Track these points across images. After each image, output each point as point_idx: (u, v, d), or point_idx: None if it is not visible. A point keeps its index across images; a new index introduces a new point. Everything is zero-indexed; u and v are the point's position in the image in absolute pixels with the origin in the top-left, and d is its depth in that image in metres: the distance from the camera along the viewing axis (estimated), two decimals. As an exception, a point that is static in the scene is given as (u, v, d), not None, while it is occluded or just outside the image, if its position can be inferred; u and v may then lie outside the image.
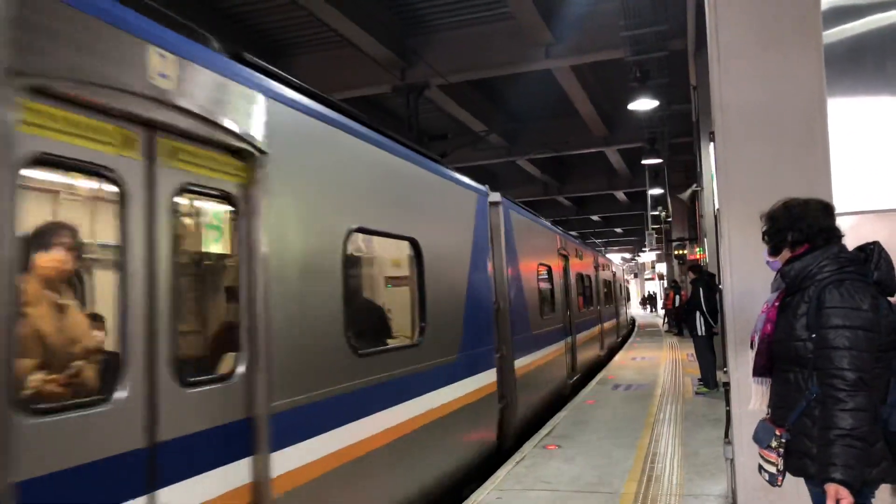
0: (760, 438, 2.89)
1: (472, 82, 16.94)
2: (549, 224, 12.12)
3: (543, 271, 10.77)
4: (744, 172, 5.24)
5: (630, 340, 24.31)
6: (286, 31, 13.97)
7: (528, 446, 7.70)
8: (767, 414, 2.95)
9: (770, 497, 4.88)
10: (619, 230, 50.75)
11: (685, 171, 26.40)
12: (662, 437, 7.87)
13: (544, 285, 10.81)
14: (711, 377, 11.00)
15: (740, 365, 5.06)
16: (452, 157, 14.79)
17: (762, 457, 2.88)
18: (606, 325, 19.26)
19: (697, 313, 11.09)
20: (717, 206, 5.62)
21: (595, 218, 43.61)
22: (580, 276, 14.95)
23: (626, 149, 23.66)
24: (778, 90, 5.21)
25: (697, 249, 22.47)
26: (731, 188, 5.30)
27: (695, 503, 5.40)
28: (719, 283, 5.86)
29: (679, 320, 23.86)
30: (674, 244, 29.05)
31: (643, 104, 13.82)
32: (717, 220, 5.68)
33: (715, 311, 10.88)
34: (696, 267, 12.78)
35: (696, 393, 10.94)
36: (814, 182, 4.84)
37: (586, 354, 14.55)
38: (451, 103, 16.89)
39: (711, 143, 5.52)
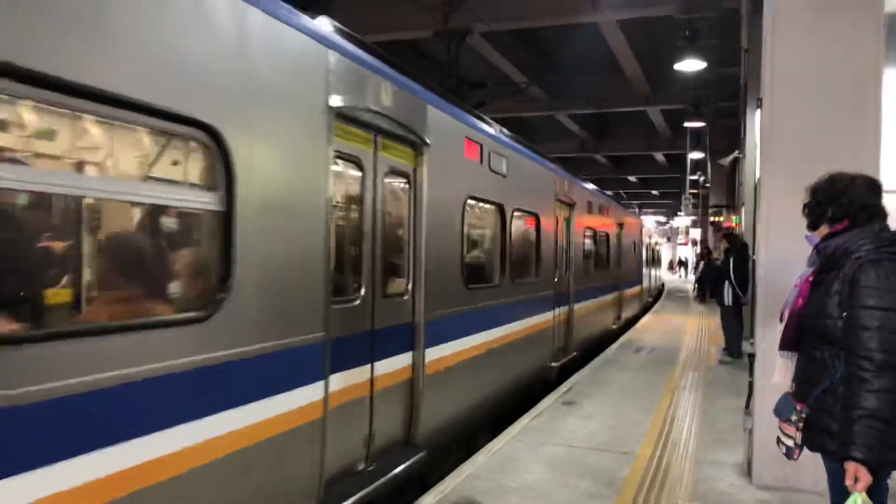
0: (781, 411, 2.89)
1: (515, 33, 16.60)
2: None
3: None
4: (789, 142, 5.11)
5: (658, 304, 24.20)
6: (327, -30, 13.74)
7: (545, 402, 7.77)
8: (791, 388, 2.93)
9: (785, 469, 4.89)
10: (655, 192, 50.04)
11: (728, 137, 25.80)
12: (682, 402, 7.88)
13: None
14: (736, 347, 10.94)
15: (767, 337, 5.02)
16: (491, 107, 14.62)
17: (781, 430, 2.88)
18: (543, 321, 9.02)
19: (726, 283, 10.97)
20: (758, 176, 5.50)
21: (632, 179, 42.98)
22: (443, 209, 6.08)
23: (668, 110, 23.13)
24: (832, 58, 5.03)
25: (734, 218, 22.11)
26: (775, 157, 5.17)
27: (710, 470, 5.43)
28: (753, 253, 5.78)
29: (703, 287, 23.76)
30: (710, 210, 28.59)
31: (690, 65, 13.43)
32: (758, 190, 5.56)
33: (744, 282, 10.77)
34: (730, 235, 12.58)
35: (720, 362, 10.89)
36: (862, 156, 4.70)
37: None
38: (494, 52, 16.60)
39: (758, 110, 5.37)
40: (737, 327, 11.07)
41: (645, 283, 22.38)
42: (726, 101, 20.35)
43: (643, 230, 22.25)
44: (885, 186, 2.99)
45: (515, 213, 7.73)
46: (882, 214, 2.85)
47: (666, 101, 21.57)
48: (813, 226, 2.96)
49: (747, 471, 5.26)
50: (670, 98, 21.06)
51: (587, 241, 12.04)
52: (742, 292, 10.76)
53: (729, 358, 10.91)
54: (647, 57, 18.61)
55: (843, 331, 2.64)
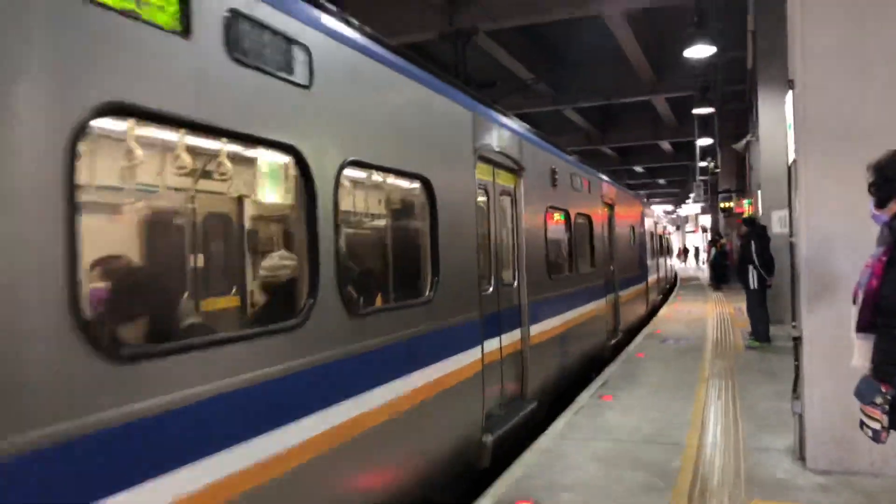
0: (864, 395, 2.82)
1: (520, 30, 16.58)
2: None
3: None
4: (823, 121, 5.04)
5: (674, 293, 24.10)
6: (333, -24, 13.74)
7: (584, 396, 7.72)
8: (869, 370, 2.88)
9: (840, 452, 4.85)
10: (662, 181, 49.93)
11: (735, 121, 25.71)
12: (719, 390, 7.82)
13: None
14: (763, 331, 10.86)
15: (813, 319, 4.96)
16: (500, 105, 14.57)
17: (864, 413, 2.81)
18: None
19: (750, 267, 10.88)
20: (791, 158, 5.43)
21: (638, 169, 42.90)
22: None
23: (673, 98, 23.08)
24: (864, 32, 4.96)
25: (745, 202, 21.99)
26: (810, 138, 5.10)
27: (760, 456, 5.37)
28: (791, 235, 5.72)
29: (716, 274, 23.70)
30: (720, 196, 28.46)
31: (699, 51, 13.28)
32: (792, 172, 5.50)
33: (767, 265, 10.68)
34: (749, 220, 12.50)
35: (748, 347, 10.82)
36: (902, 131, 4.63)
37: None
38: (499, 50, 16.59)
39: (790, 91, 5.30)
40: (763, 311, 10.98)
41: (652, 277, 18.38)
42: (732, 84, 20.28)
43: (645, 214, 18.03)
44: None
45: (348, 173, 3.82)
46: None
47: (672, 88, 21.53)
48: (881, 203, 2.91)
49: (799, 455, 5.19)
50: (676, 85, 21.01)
51: (553, 228, 8.22)
52: (767, 275, 10.68)
53: (756, 343, 10.84)
54: (651, 45, 18.56)
55: (923, 308, 2.59)
